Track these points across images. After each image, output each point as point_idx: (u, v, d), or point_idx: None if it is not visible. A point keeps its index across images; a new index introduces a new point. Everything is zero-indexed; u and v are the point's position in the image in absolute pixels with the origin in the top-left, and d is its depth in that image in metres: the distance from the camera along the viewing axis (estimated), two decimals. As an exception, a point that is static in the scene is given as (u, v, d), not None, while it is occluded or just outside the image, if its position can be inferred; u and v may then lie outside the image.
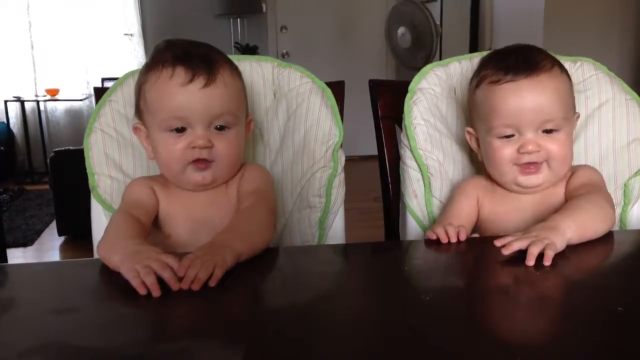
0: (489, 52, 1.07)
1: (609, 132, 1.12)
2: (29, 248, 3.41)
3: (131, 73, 1.11)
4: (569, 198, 0.97)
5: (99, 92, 1.13)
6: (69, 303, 0.73)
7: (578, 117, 1.04)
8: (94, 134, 1.09)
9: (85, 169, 1.11)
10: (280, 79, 1.15)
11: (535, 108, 0.94)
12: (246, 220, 0.91)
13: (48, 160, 4.06)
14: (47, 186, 4.47)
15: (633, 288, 0.77)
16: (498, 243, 0.82)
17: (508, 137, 0.97)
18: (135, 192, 0.99)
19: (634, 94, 1.15)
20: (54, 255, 3.38)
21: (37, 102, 5.01)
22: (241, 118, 0.98)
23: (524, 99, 0.94)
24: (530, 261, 0.79)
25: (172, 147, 0.94)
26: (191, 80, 0.89)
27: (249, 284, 0.79)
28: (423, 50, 3.59)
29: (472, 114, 1.06)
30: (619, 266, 0.88)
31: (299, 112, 1.13)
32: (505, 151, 0.97)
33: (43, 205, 4.13)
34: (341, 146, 1.13)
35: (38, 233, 3.60)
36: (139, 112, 0.99)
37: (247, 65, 1.14)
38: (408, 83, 1.18)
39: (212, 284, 0.74)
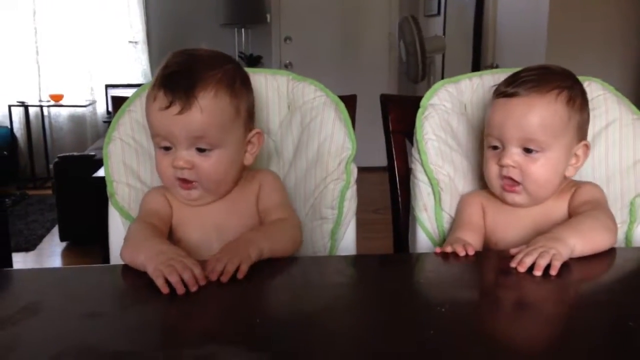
0: (497, 69, 1.10)
1: (615, 152, 1.15)
2: (30, 253, 3.41)
3: (149, 84, 1.13)
4: (572, 214, 1.00)
5: (118, 102, 1.15)
6: (95, 308, 0.75)
7: (586, 146, 1.04)
8: (112, 142, 1.12)
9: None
10: (295, 92, 1.18)
11: (516, 125, 0.99)
12: (274, 227, 0.98)
13: (51, 166, 4.08)
14: (49, 191, 4.48)
15: (641, 304, 0.79)
16: (513, 264, 0.86)
17: (495, 148, 1.03)
18: (151, 202, 1.03)
19: (641, 114, 1.17)
20: (56, 261, 3.39)
21: (41, 107, 5.02)
22: (228, 138, 0.96)
23: (509, 114, 0.99)
24: (538, 272, 0.84)
25: (160, 163, 0.98)
26: (168, 107, 0.91)
27: (264, 290, 0.82)
28: (415, 64, 3.80)
29: None
30: (626, 282, 0.90)
31: (312, 125, 1.15)
32: (492, 162, 1.03)
33: (45, 210, 4.13)
34: (354, 159, 1.16)
35: (40, 238, 3.60)
36: None
37: (262, 78, 1.17)
38: (418, 98, 1.21)
39: (240, 276, 0.81)
